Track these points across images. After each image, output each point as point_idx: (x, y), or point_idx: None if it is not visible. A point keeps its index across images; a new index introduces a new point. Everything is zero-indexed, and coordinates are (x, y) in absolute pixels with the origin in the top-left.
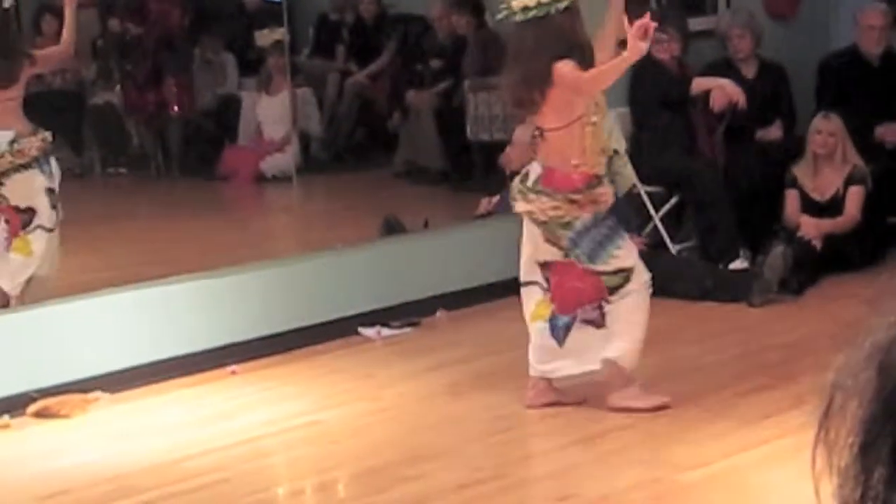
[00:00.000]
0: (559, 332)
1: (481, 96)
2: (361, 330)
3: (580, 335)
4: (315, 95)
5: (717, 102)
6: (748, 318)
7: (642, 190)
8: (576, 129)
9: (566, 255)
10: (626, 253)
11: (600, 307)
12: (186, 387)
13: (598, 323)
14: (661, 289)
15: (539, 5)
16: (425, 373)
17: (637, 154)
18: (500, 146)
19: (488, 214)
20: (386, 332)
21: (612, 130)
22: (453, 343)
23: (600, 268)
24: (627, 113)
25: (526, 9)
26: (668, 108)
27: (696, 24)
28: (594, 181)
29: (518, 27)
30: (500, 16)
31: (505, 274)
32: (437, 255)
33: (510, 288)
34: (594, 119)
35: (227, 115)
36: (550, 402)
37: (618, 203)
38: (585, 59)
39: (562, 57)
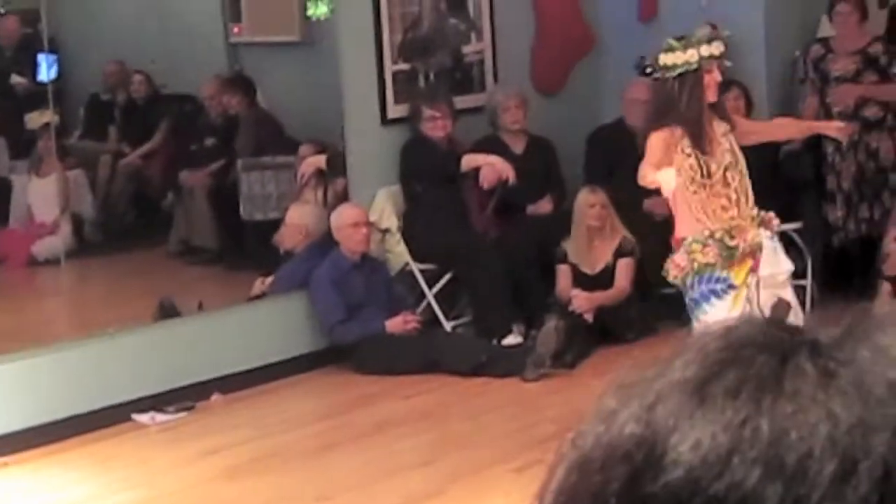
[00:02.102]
0: None
1: (254, 175)
2: (135, 416)
3: None
4: (87, 177)
5: (486, 179)
6: (522, 392)
7: (415, 267)
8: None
9: None
10: None
11: None
12: None
13: None
14: (436, 365)
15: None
16: (200, 457)
17: (409, 231)
18: (273, 225)
19: (263, 295)
20: (160, 417)
21: (384, 208)
22: (229, 426)
23: None
24: (399, 190)
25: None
26: (439, 185)
27: (463, 101)
28: None
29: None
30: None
31: (280, 355)
32: (211, 338)
33: (286, 369)
34: None
35: None
36: None
37: (391, 281)
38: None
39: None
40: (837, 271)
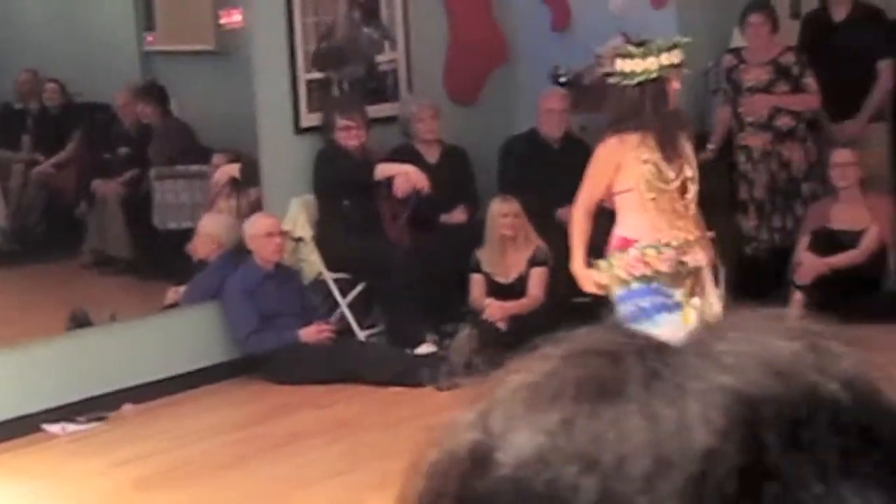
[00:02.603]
0: None
1: (168, 184)
2: (46, 426)
3: None
4: (0, 187)
5: (400, 188)
6: (436, 401)
7: (329, 277)
8: None
9: None
10: None
11: None
12: None
13: None
14: (350, 375)
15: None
16: (111, 468)
17: (323, 241)
18: (187, 234)
19: (176, 305)
20: (71, 427)
21: (298, 217)
22: (141, 437)
23: None
24: (312, 199)
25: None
26: (352, 195)
27: (377, 110)
28: None
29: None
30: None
31: (194, 364)
32: (124, 348)
33: (199, 379)
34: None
35: None
36: None
37: (304, 291)
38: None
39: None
40: (750, 281)
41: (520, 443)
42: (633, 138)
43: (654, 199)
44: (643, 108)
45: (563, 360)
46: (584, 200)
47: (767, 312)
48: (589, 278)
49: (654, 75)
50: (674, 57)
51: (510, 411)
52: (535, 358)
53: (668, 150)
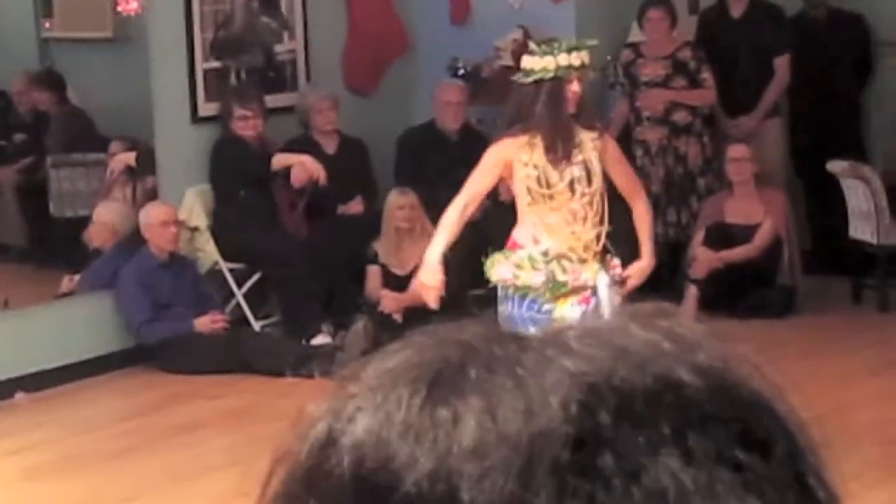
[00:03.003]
0: None
1: (64, 172)
2: None
3: None
4: None
5: (297, 178)
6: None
7: (225, 267)
8: None
9: None
10: None
11: None
12: None
13: None
14: (244, 365)
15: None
16: (2, 457)
17: (219, 230)
18: (83, 222)
19: (71, 293)
20: None
21: (194, 207)
22: (32, 426)
23: None
24: (209, 189)
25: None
26: (249, 184)
27: (275, 100)
28: None
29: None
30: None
31: (87, 353)
32: (17, 336)
33: (93, 368)
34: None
35: None
36: None
37: (199, 280)
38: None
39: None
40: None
41: (361, 424)
42: (522, 139)
43: (530, 204)
44: (535, 108)
45: (419, 347)
46: (462, 195)
47: (636, 311)
48: (433, 271)
49: (550, 74)
50: (576, 58)
51: (361, 397)
52: (398, 346)
53: (557, 152)
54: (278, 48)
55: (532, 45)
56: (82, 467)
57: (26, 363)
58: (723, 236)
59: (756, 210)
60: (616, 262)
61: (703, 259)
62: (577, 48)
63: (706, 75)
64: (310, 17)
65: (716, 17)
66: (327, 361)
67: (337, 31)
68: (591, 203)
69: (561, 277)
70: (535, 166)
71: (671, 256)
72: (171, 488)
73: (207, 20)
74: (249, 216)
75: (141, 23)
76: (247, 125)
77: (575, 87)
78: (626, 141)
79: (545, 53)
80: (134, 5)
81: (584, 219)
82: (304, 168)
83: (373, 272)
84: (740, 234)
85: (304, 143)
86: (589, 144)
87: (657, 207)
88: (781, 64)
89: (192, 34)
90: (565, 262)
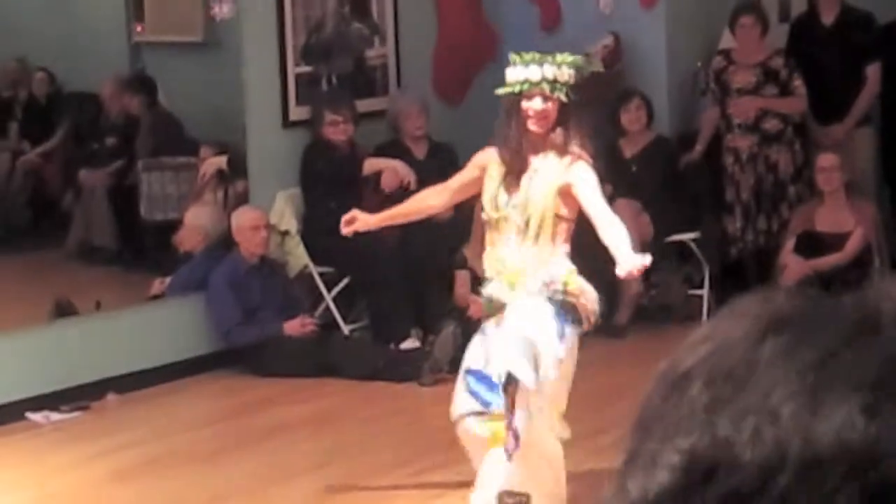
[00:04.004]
0: None
1: (154, 176)
2: (29, 415)
3: None
4: None
5: (387, 183)
6: (420, 397)
7: (314, 271)
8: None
9: None
10: None
11: None
12: None
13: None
14: (333, 369)
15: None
16: (94, 458)
17: (309, 234)
18: (173, 226)
19: (161, 296)
20: (55, 416)
21: (284, 211)
22: (123, 427)
23: None
24: (299, 193)
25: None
26: (339, 189)
27: (365, 105)
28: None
29: None
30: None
31: (177, 356)
32: (108, 338)
33: (182, 370)
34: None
35: None
36: None
37: (289, 284)
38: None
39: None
40: (735, 282)
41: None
42: (492, 152)
43: (484, 224)
44: (502, 122)
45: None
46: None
47: None
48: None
49: (515, 89)
50: (537, 73)
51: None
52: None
53: (511, 173)
54: (369, 53)
55: (512, 56)
56: (171, 469)
57: (117, 365)
58: (813, 244)
59: (846, 219)
60: (553, 281)
61: (793, 267)
62: (559, 63)
63: (797, 83)
64: (401, 23)
65: (807, 24)
66: (416, 367)
67: (427, 37)
68: (525, 233)
69: (494, 296)
70: (495, 184)
71: (761, 264)
72: (259, 491)
73: (299, 25)
74: (339, 221)
75: (231, 27)
76: (337, 130)
77: (535, 104)
78: (716, 148)
79: (517, 65)
80: (226, 10)
81: (520, 243)
82: (394, 173)
83: (461, 277)
84: (831, 243)
85: (394, 148)
86: (550, 168)
87: (747, 215)
88: (872, 72)
89: (284, 39)
90: (496, 284)
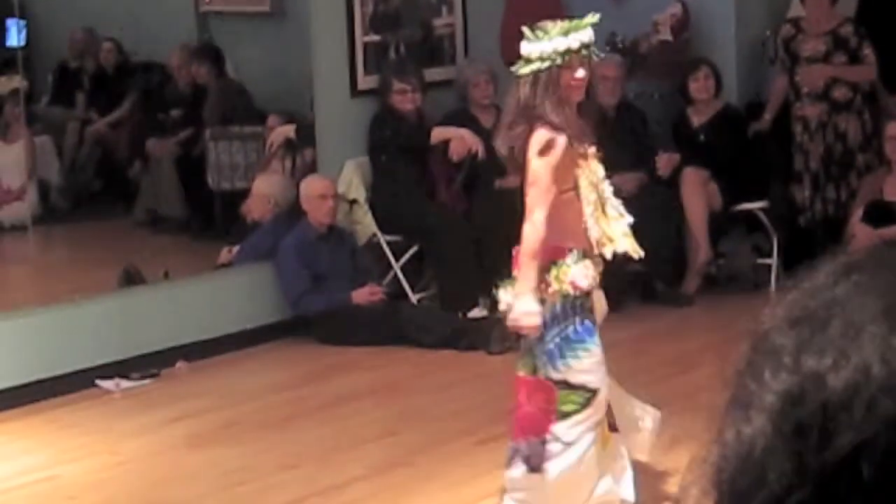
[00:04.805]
0: None
1: (222, 145)
2: (99, 382)
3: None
4: (55, 144)
5: (455, 152)
6: (488, 365)
7: (382, 239)
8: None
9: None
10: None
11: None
12: None
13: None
14: (401, 338)
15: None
16: (164, 425)
17: (377, 203)
18: (241, 195)
19: (229, 264)
20: (125, 384)
21: (352, 180)
22: (193, 394)
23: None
24: (367, 162)
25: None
26: (407, 158)
27: (433, 74)
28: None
29: None
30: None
31: (246, 324)
32: (176, 306)
33: (251, 338)
34: None
35: None
36: None
37: (357, 253)
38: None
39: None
40: (803, 251)
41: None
42: (555, 137)
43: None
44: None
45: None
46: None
47: None
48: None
49: (557, 61)
50: (575, 41)
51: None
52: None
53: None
54: (437, 22)
55: (526, 31)
56: (241, 435)
57: (186, 333)
58: (882, 214)
59: None
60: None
61: (862, 236)
62: (574, 29)
63: (867, 51)
64: None
65: None
66: (484, 335)
67: (495, 6)
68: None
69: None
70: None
71: (830, 233)
72: (329, 457)
73: None
74: (407, 189)
75: None
76: (405, 99)
77: (580, 73)
78: (784, 117)
79: (542, 39)
80: None
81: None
82: (462, 142)
83: None
84: None
85: (461, 117)
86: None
87: (816, 184)
88: None
89: (352, 8)
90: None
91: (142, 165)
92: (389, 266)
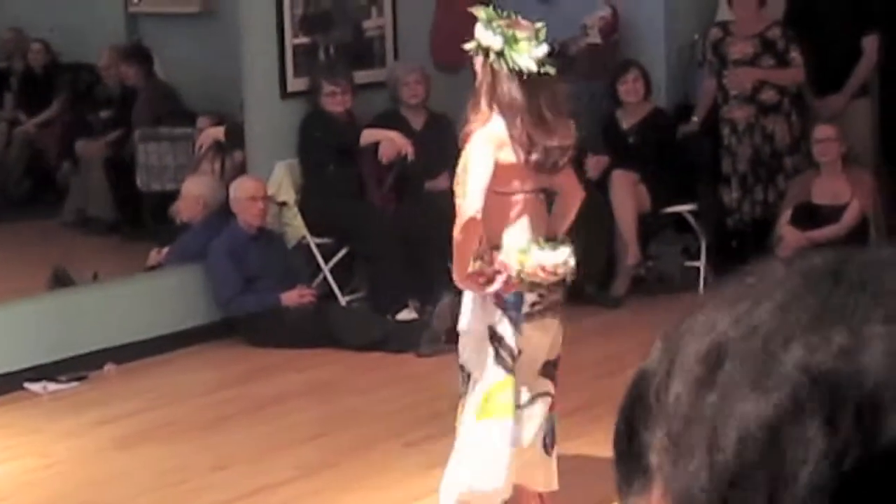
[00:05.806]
0: None
1: (152, 146)
2: (27, 385)
3: None
4: None
5: (385, 154)
6: (416, 368)
7: (312, 241)
8: None
9: None
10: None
11: None
12: None
13: None
14: (331, 339)
15: None
16: (93, 427)
17: (307, 205)
18: (171, 196)
19: (159, 266)
20: (53, 386)
21: (282, 181)
22: (122, 397)
23: None
24: (297, 164)
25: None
26: (337, 160)
27: (363, 75)
28: None
29: None
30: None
31: (175, 326)
32: (106, 308)
33: (181, 340)
34: None
35: None
36: None
37: (287, 254)
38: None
39: None
40: (731, 253)
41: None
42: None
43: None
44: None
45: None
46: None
47: None
48: None
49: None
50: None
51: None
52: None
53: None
54: (367, 24)
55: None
56: (171, 437)
57: (115, 335)
58: (810, 216)
59: (843, 190)
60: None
61: (789, 238)
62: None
63: (795, 54)
64: None
65: None
66: (414, 337)
67: (425, 7)
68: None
69: None
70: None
71: (758, 235)
72: (260, 458)
73: None
74: (337, 191)
75: None
76: (335, 100)
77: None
78: (713, 120)
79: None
80: None
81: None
82: (391, 143)
83: None
84: (827, 214)
85: (391, 119)
86: None
87: (744, 186)
88: (870, 43)
89: (281, 10)
90: None
91: (71, 166)
92: (319, 268)
